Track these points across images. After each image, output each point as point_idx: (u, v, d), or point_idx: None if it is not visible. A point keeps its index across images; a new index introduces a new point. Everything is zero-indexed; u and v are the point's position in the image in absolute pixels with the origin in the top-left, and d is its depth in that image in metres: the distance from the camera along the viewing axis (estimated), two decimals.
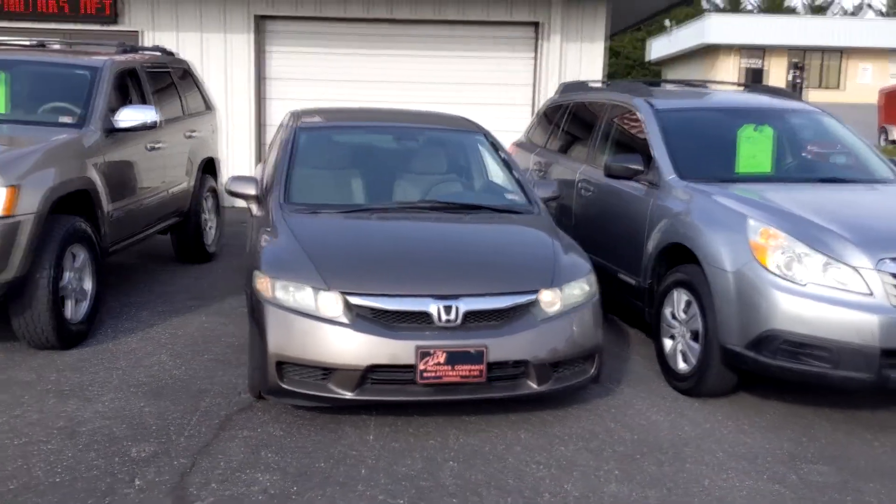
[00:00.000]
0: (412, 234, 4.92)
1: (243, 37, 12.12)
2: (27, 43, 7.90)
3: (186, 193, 7.93)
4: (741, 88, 7.27)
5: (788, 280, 4.50)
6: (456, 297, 4.34)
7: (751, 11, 51.64)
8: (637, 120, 6.19)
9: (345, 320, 4.26)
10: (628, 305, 6.01)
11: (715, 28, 41.41)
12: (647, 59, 49.46)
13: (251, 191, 5.39)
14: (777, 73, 41.49)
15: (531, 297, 4.46)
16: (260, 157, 12.27)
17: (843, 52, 41.88)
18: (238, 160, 11.94)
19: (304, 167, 5.49)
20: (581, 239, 6.59)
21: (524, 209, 5.38)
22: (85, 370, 5.26)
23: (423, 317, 4.30)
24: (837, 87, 42.12)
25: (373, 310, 4.30)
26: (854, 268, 4.43)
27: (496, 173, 5.81)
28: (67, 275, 5.59)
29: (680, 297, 5.16)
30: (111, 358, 5.50)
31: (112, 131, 6.34)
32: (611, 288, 6.19)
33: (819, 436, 4.60)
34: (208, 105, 8.90)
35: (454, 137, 6.07)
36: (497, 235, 5.05)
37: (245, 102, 12.21)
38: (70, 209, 5.77)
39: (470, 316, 4.34)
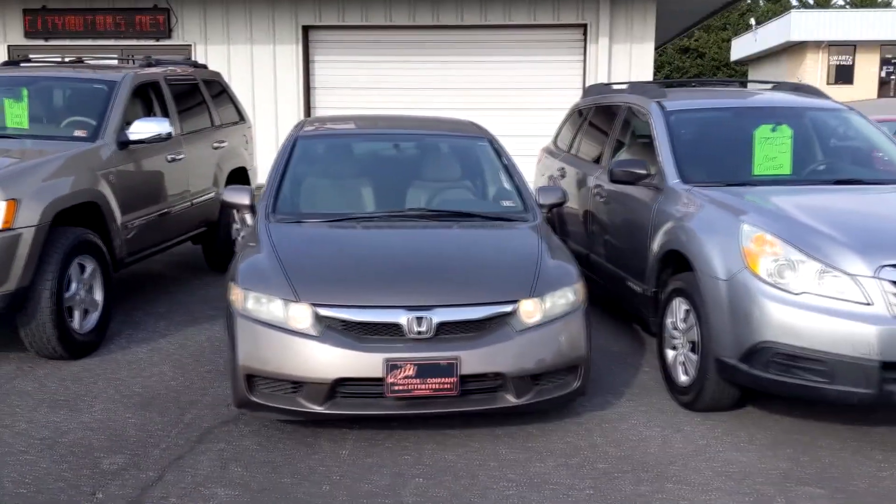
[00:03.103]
0: (392, 244, 4.81)
1: (291, 48, 12.27)
2: (66, 60, 8.12)
3: (214, 203, 8.00)
4: (768, 87, 6.92)
5: (781, 288, 4.23)
6: (428, 308, 4.22)
7: (842, 7, 49.85)
8: (647, 122, 5.96)
9: (313, 333, 4.18)
10: (637, 314, 5.78)
11: (800, 25, 40.04)
12: (731, 59, 48.21)
13: (245, 201, 5.37)
14: (866, 70, 39.90)
15: (509, 308, 4.31)
16: None
17: None
18: None
19: (296, 176, 5.45)
20: (595, 246, 6.43)
21: (518, 216, 5.22)
22: (85, 380, 5.32)
23: (395, 329, 4.19)
24: None
25: (343, 322, 4.21)
26: (851, 275, 4.14)
27: (496, 180, 5.66)
28: (74, 285, 5.67)
29: (679, 307, 4.93)
30: (115, 368, 5.56)
31: (126, 144, 6.44)
32: (623, 296, 5.99)
33: (822, 455, 4.31)
34: (241, 116, 8.99)
35: (456, 143, 5.94)
36: (480, 244, 4.90)
37: (293, 112, 12.35)
38: (80, 221, 5.88)
39: (443, 327, 4.21)
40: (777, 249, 4.32)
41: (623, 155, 6.26)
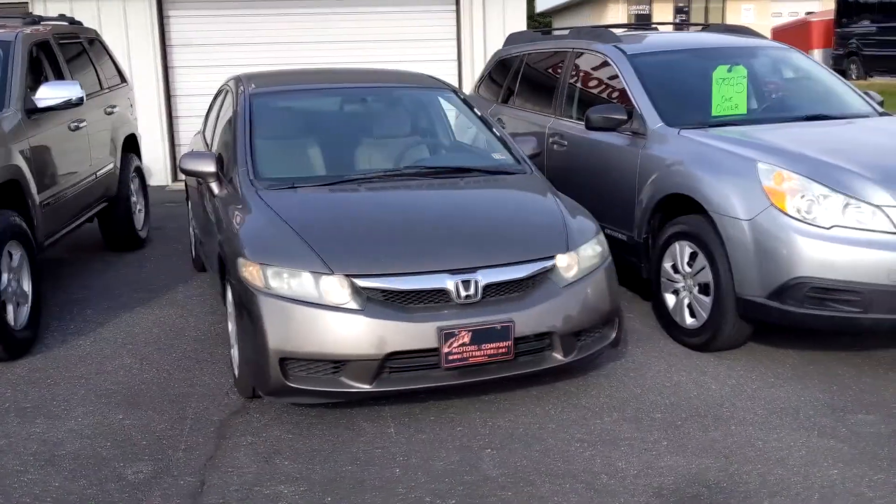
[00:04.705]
0: (409, 205, 4.49)
1: (142, 4, 11.25)
2: None
3: (113, 175, 7.24)
4: (698, 29, 7.03)
5: (811, 224, 4.29)
6: (473, 269, 3.96)
7: None
8: (607, 67, 5.89)
9: (355, 306, 3.82)
10: (620, 262, 5.73)
11: None
12: (536, 11, 49.35)
13: (210, 168, 4.84)
14: (662, 18, 41.96)
15: (549, 263, 4.12)
16: (171, 130, 11.52)
17: None
18: (149, 135, 11.14)
19: (266, 138, 4.96)
20: None
21: (515, 169, 5.01)
22: (42, 382, 4.67)
23: (441, 294, 3.91)
24: None
25: (384, 291, 3.88)
26: (877, 206, 4.25)
27: (476, 132, 5.41)
28: (5, 276, 4.95)
29: (683, 250, 4.92)
30: (68, 366, 4.92)
31: (33, 112, 5.66)
32: None
33: (848, 383, 4.43)
34: (123, 77, 8.17)
35: (423, 96, 5.62)
36: (499, 199, 4.67)
37: (150, 73, 11.37)
38: None
39: (489, 289, 3.97)
40: (799, 185, 4.37)
41: (576, 102, 6.16)
